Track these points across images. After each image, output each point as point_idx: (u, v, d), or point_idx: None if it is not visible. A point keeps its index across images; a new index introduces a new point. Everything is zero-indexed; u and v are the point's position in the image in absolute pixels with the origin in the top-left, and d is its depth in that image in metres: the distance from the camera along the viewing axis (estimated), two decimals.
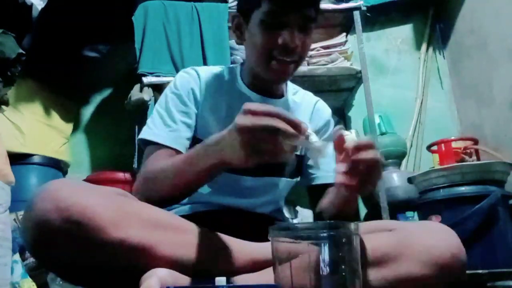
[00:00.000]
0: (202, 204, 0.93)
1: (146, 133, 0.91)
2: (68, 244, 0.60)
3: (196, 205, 0.93)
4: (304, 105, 1.05)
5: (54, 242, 0.60)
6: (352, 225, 0.55)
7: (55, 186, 0.63)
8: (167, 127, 0.90)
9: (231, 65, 1.05)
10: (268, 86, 0.98)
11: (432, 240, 0.69)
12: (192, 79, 0.97)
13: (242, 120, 0.61)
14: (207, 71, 1.00)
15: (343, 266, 0.54)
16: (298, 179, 1.07)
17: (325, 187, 0.95)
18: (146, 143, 0.90)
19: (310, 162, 1.03)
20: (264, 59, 0.88)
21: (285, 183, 1.01)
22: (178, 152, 0.88)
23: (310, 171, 1.03)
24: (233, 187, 0.94)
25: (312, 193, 1.03)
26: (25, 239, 0.63)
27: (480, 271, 1.39)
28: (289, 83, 1.06)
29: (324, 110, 1.09)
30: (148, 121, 0.93)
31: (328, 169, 0.97)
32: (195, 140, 0.93)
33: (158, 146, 0.88)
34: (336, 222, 0.55)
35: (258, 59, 0.90)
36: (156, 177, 0.79)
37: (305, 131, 0.61)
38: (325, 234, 0.54)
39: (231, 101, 0.96)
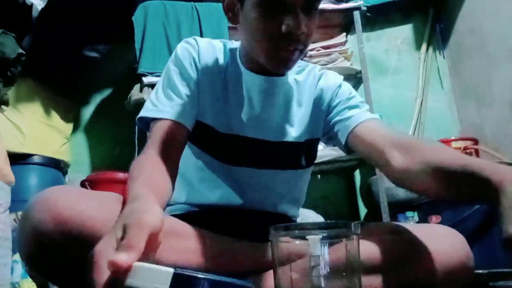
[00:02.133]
0: (198, 204, 0.90)
1: (150, 111, 0.81)
2: (65, 255, 0.58)
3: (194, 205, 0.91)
4: (308, 84, 0.93)
5: (51, 253, 0.59)
6: (353, 225, 0.55)
7: (52, 195, 0.60)
8: (171, 101, 0.82)
9: (232, 42, 0.94)
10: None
11: (440, 246, 0.67)
12: (192, 48, 0.88)
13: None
14: (208, 43, 0.90)
15: (342, 267, 0.54)
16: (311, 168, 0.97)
17: (360, 130, 0.83)
18: (151, 120, 0.82)
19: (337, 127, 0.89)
20: (265, 48, 0.76)
21: (289, 175, 0.90)
22: (184, 128, 0.81)
23: (339, 125, 0.88)
24: (229, 180, 0.87)
25: (355, 145, 0.85)
26: (20, 249, 0.62)
27: (480, 271, 1.39)
28: None
29: (329, 83, 0.93)
30: (151, 97, 0.85)
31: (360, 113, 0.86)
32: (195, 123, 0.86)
33: (162, 121, 0.79)
34: (336, 222, 0.55)
35: (258, 47, 0.78)
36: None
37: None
38: (325, 234, 0.53)
39: (227, 81, 0.88)
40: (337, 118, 0.89)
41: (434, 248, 0.67)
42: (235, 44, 0.93)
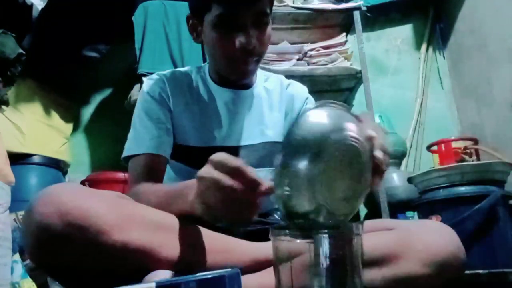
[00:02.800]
0: None
1: (128, 150, 0.91)
2: (69, 248, 0.60)
3: None
4: (276, 91, 1.04)
5: (55, 247, 0.59)
6: (354, 225, 0.55)
7: (56, 190, 0.62)
8: (143, 136, 0.90)
9: (200, 65, 1.05)
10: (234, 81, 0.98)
11: (432, 239, 0.70)
12: (158, 83, 0.96)
13: (202, 171, 0.58)
14: (173, 74, 1.00)
15: (344, 266, 0.54)
16: None
17: None
18: (130, 158, 0.90)
19: None
20: (224, 63, 0.89)
21: None
22: (162, 157, 0.89)
23: None
24: None
25: None
26: (25, 243, 0.63)
27: (480, 271, 1.39)
28: (259, 71, 1.05)
29: (298, 91, 1.07)
30: (129, 137, 0.93)
31: None
32: (175, 147, 0.94)
33: (139, 157, 0.88)
34: (337, 222, 0.55)
35: (219, 63, 0.90)
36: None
37: (268, 190, 0.56)
38: (325, 234, 0.53)
39: (202, 99, 0.97)
40: None
41: (425, 240, 0.69)
42: (203, 66, 1.04)
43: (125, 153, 0.91)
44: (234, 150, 0.94)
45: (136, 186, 0.85)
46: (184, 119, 0.95)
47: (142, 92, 0.97)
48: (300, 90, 1.07)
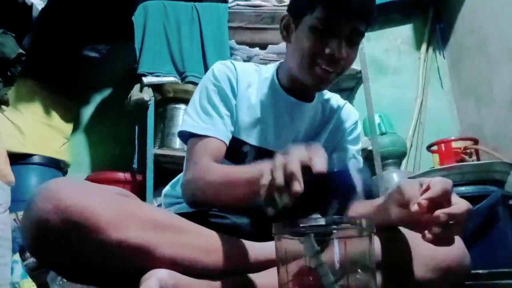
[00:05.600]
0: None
1: (192, 126, 0.89)
2: (67, 244, 0.60)
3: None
4: (331, 108, 1.05)
5: (53, 242, 0.60)
6: (364, 222, 0.54)
7: (55, 186, 0.62)
8: (212, 119, 0.89)
9: (268, 65, 1.05)
10: (303, 90, 0.97)
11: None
12: (230, 70, 0.96)
13: (276, 161, 0.58)
14: (243, 66, 1.00)
15: (353, 266, 0.53)
16: None
17: None
18: (190, 135, 0.89)
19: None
20: (308, 64, 0.87)
21: None
22: (224, 144, 0.89)
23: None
24: None
25: None
26: (24, 238, 0.63)
27: (480, 271, 1.39)
28: None
29: (351, 112, 1.08)
30: (190, 113, 0.92)
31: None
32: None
33: (204, 137, 0.87)
34: (345, 218, 0.54)
35: (302, 63, 0.88)
36: (204, 190, 0.79)
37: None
38: (333, 231, 0.52)
39: (265, 99, 0.96)
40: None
41: (430, 245, 0.68)
42: (270, 66, 1.03)
43: (189, 128, 0.90)
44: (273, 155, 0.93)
45: (197, 166, 0.84)
46: (242, 112, 0.95)
47: (213, 72, 0.95)
48: (353, 112, 1.08)
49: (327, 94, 1.07)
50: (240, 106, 0.95)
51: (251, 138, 0.95)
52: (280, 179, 0.55)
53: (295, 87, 0.96)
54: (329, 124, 1.03)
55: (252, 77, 0.98)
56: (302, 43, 0.87)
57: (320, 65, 0.86)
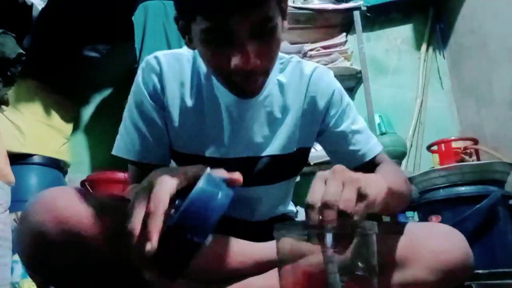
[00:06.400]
0: None
1: (118, 150, 0.83)
2: (65, 256, 0.59)
3: None
4: (294, 87, 0.84)
5: (50, 254, 0.59)
6: (367, 224, 0.52)
7: (51, 196, 0.60)
8: (137, 140, 0.81)
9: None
10: None
11: (440, 245, 0.67)
12: (154, 72, 0.80)
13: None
14: (174, 59, 0.81)
15: (357, 266, 0.52)
16: (298, 178, 0.99)
17: (372, 162, 0.85)
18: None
19: (337, 147, 0.88)
20: (222, 81, 0.70)
21: (277, 187, 0.88)
22: (152, 164, 0.79)
23: (352, 148, 0.85)
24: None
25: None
26: (20, 250, 0.62)
27: (480, 271, 1.39)
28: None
29: (322, 81, 0.85)
30: (120, 131, 0.83)
31: (367, 140, 0.86)
32: (174, 152, 0.84)
33: (131, 161, 0.83)
34: (347, 219, 0.51)
35: (217, 77, 0.72)
36: None
37: None
38: (335, 232, 0.50)
39: (203, 97, 0.81)
40: (342, 144, 0.86)
41: (434, 246, 0.67)
42: None
43: (115, 152, 0.84)
44: (237, 162, 0.83)
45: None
46: (177, 120, 0.80)
47: (136, 80, 0.81)
48: (324, 83, 0.86)
49: (289, 65, 0.85)
50: (172, 112, 0.80)
51: (191, 148, 0.82)
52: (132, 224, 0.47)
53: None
54: (294, 106, 0.83)
55: (185, 73, 0.81)
56: (204, 59, 0.70)
57: (236, 82, 0.67)
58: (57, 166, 1.98)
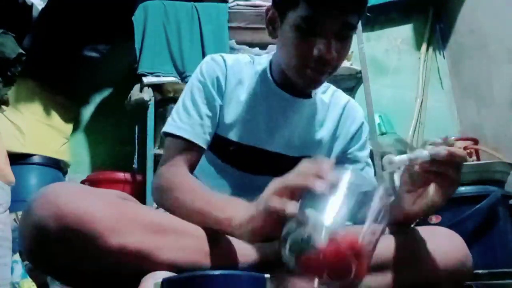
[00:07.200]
0: None
1: (169, 126, 0.86)
2: (66, 251, 0.59)
3: None
4: (332, 106, 0.98)
5: (52, 249, 0.59)
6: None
7: (53, 191, 0.61)
8: (191, 119, 0.86)
9: (260, 56, 0.97)
10: (297, 86, 0.91)
11: (439, 246, 0.69)
12: (218, 66, 0.91)
13: (274, 202, 0.57)
14: (235, 60, 0.93)
15: None
16: None
17: None
18: (166, 134, 0.87)
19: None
20: (297, 66, 0.81)
21: None
22: (199, 147, 0.85)
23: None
24: (244, 186, 0.90)
25: None
26: (22, 245, 0.62)
27: (480, 271, 1.39)
28: None
29: (356, 111, 1.00)
30: (173, 111, 0.89)
31: (373, 175, 0.97)
32: (215, 137, 0.90)
33: (180, 140, 0.84)
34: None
35: (290, 64, 0.83)
36: (169, 205, 0.78)
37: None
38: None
39: (258, 95, 0.91)
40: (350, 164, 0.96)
41: (434, 248, 0.68)
42: (264, 57, 0.96)
43: (166, 128, 0.86)
44: (273, 156, 0.91)
45: (170, 167, 0.82)
46: (232, 110, 0.90)
47: (201, 68, 0.91)
48: (358, 111, 1.01)
49: (329, 89, 1.00)
50: (227, 104, 0.90)
51: (240, 137, 0.90)
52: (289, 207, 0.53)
53: (289, 83, 0.89)
54: (330, 123, 0.97)
55: (244, 72, 0.92)
56: (288, 42, 0.80)
57: (310, 68, 0.80)
58: (57, 166, 1.98)
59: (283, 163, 0.87)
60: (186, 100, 0.88)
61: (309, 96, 0.93)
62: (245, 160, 0.92)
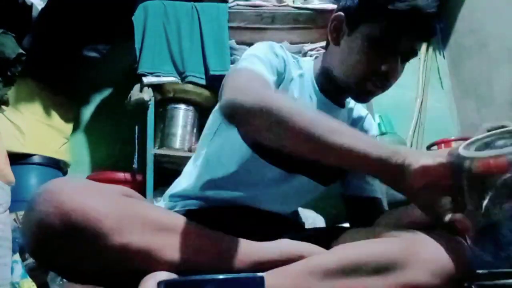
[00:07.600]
0: (204, 201, 0.91)
1: (252, 65, 0.79)
2: (69, 248, 0.59)
3: (201, 202, 0.91)
4: (356, 118, 1.03)
5: (55, 246, 0.59)
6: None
7: (57, 187, 0.61)
8: (272, 69, 0.83)
9: (303, 58, 0.98)
10: (339, 95, 0.94)
11: (439, 248, 0.68)
12: (285, 54, 0.90)
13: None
14: (288, 56, 0.93)
15: None
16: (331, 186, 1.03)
17: (365, 200, 0.97)
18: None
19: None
20: (360, 77, 0.83)
21: (313, 187, 0.96)
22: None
23: (357, 182, 0.99)
24: (255, 174, 0.89)
25: (351, 203, 1.01)
26: (25, 240, 0.62)
27: (480, 271, 1.39)
28: None
29: (372, 124, 1.07)
30: (249, 57, 0.82)
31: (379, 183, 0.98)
32: None
33: (264, 76, 0.79)
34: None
35: (352, 74, 0.84)
36: (285, 119, 0.67)
37: None
38: None
39: (304, 97, 0.91)
40: (364, 175, 0.98)
41: (433, 249, 0.68)
42: (305, 60, 0.97)
43: (251, 65, 0.79)
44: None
45: (263, 89, 0.75)
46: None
47: (271, 45, 0.87)
48: (373, 127, 1.07)
49: (350, 102, 1.03)
50: (282, 86, 0.89)
51: None
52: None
53: (331, 90, 0.91)
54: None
55: (294, 70, 0.92)
56: (356, 53, 0.82)
57: (371, 80, 0.82)
58: (57, 166, 1.98)
59: (317, 166, 0.84)
60: (262, 57, 0.82)
61: (342, 106, 0.96)
62: (283, 156, 0.87)
